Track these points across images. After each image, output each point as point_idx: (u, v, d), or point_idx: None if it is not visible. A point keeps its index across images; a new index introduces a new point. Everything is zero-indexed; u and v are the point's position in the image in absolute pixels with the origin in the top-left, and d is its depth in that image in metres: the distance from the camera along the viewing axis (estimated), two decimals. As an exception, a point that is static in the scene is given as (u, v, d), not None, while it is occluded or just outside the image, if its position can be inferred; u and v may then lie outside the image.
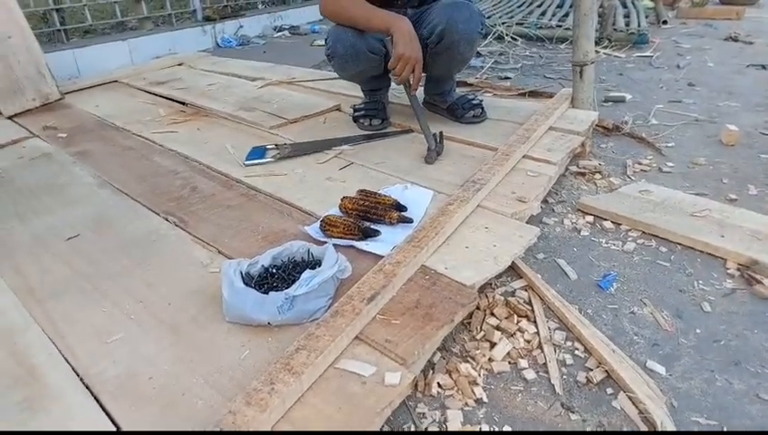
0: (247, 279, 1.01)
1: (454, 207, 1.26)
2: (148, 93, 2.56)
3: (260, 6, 4.99)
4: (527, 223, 1.32)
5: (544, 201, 1.57)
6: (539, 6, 5.48)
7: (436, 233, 1.15)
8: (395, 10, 1.71)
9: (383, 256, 1.09)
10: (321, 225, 1.21)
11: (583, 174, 1.72)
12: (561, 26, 4.26)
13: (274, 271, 1.04)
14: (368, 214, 1.27)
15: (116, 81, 2.81)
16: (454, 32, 1.65)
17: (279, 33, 4.62)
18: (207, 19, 4.15)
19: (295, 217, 1.33)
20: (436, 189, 1.44)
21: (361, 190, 1.36)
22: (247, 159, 1.68)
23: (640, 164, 1.79)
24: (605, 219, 1.45)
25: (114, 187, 1.53)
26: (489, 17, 4.72)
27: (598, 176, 1.70)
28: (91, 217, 1.36)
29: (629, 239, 1.37)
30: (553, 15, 4.84)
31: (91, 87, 2.69)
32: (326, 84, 2.58)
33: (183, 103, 2.37)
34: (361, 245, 1.16)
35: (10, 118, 2.19)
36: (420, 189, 1.43)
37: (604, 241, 1.37)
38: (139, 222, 1.33)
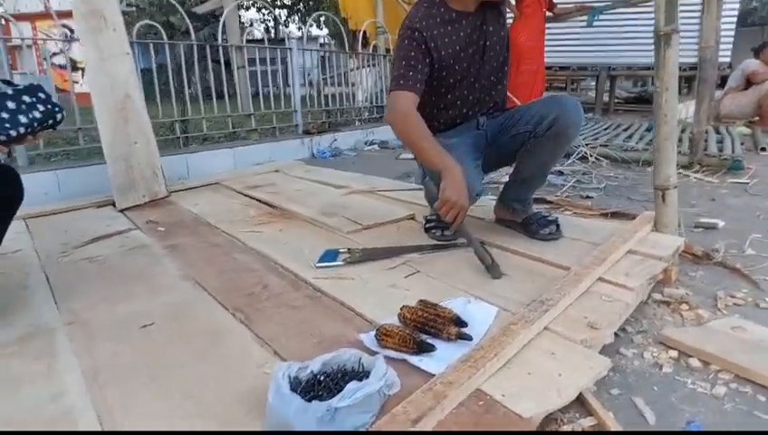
0: (295, 384, 1.01)
1: (517, 328, 1.19)
2: (243, 195, 2.81)
3: (356, 123, 5.46)
4: (600, 353, 1.22)
5: (622, 330, 1.45)
6: (625, 130, 5.49)
7: (495, 354, 1.09)
8: (468, 117, 1.81)
9: (435, 375, 1.05)
10: (376, 333, 1.20)
11: (668, 303, 1.58)
12: (647, 150, 4.19)
13: (322, 378, 1.03)
14: (426, 326, 1.25)
15: (218, 183, 3.14)
16: (566, 116, 1.73)
17: (369, 147, 4.98)
18: (307, 133, 4.60)
19: (355, 323, 1.34)
20: (501, 306, 1.39)
21: (422, 301, 1.35)
22: (319, 262, 1.75)
23: (733, 297, 1.61)
24: (691, 356, 1.30)
25: (195, 280, 1.64)
26: (573, 138, 4.78)
27: (684, 307, 1.56)
28: (169, 307, 1.46)
29: (720, 382, 1.20)
30: (641, 139, 4.80)
31: (195, 187, 3.02)
32: (404, 195, 2.69)
33: (272, 206, 2.57)
34: (414, 360, 1.13)
35: (122, 211, 2.49)
36: (484, 305, 1.38)
37: (690, 381, 1.21)
38: (210, 316, 1.40)
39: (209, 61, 4.22)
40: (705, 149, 3.93)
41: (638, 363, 1.30)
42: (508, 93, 6.31)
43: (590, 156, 4.18)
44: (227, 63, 4.13)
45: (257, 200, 2.68)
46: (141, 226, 2.27)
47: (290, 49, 4.36)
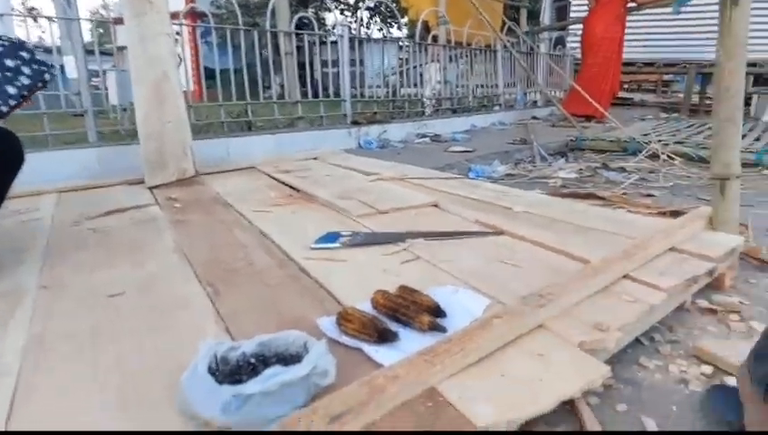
0: (222, 364, 0.89)
1: (500, 322, 1.00)
2: (272, 178, 2.76)
3: (408, 116, 5.31)
4: (610, 360, 1.00)
5: (649, 338, 1.20)
6: (710, 129, 4.91)
7: (461, 349, 0.91)
8: None
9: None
10: (337, 317, 1.06)
11: (714, 312, 1.30)
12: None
13: (253, 361, 0.90)
14: (397, 313, 1.08)
15: (253, 167, 3.12)
16: None
17: (420, 140, 4.80)
18: (355, 123, 4.51)
19: (326, 305, 1.20)
20: (497, 298, 1.19)
21: (402, 286, 1.18)
22: (316, 242, 1.63)
23: (802, 310, 1.30)
24: (730, 374, 1.03)
25: (184, 253, 1.58)
26: (646, 135, 4.33)
27: (734, 317, 1.27)
28: (146, 278, 1.39)
29: (765, 412, 0.94)
30: (726, 135, 4.25)
31: (230, 171, 3.01)
32: (434, 183, 2.51)
33: (295, 189, 2.49)
34: (369, 349, 0.97)
35: (150, 188, 2.51)
36: (473, 295, 1.19)
37: (724, 407, 0.96)
38: (180, 288, 1.32)
39: (269, 49, 4.24)
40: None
41: (659, 377, 1.06)
42: (577, 87, 5.91)
43: (662, 153, 3.75)
44: (278, 50, 4.14)
45: (283, 183, 2.62)
46: (161, 202, 2.26)
47: (341, 36, 4.29)
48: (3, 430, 0.80)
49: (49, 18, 3.30)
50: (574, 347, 0.97)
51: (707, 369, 1.06)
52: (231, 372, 0.88)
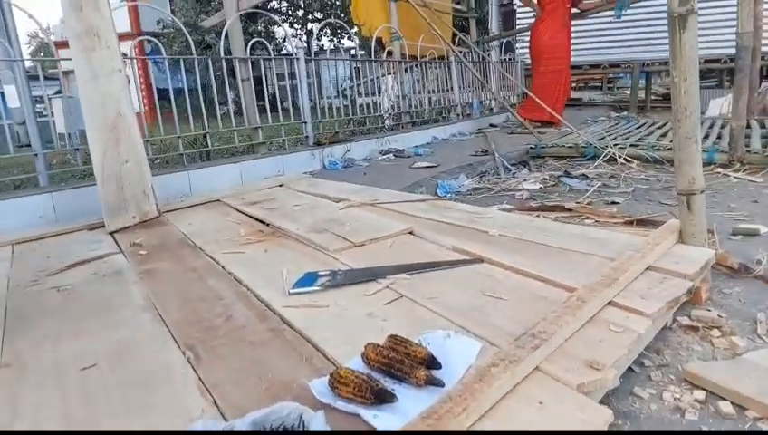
0: (215, 449, 0.84)
1: (498, 371, 0.99)
2: (239, 212, 2.68)
3: (372, 132, 5.30)
4: (604, 398, 1.00)
5: (639, 364, 1.22)
6: (660, 128, 5.12)
7: (464, 408, 0.89)
8: None
9: (388, 436, 0.85)
10: (329, 380, 1.02)
11: (696, 329, 1.33)
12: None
13: (248, 442, 0.85)
14: (391, 369, 1.05)
15: (218, 200, 3.03)
16: None
17: (384, 156, 4.80)
18: (318, 144, 4.47)
19: (314, 363, 1.15)
20: (489, 340, 1.18)
21: (392, 336, 1.15)
22: (294, 287, 1.58)
23: (778, 322, 1.35)
24: (722, 398, 1.05)
25: (157, 311, 1.50)
26: (601, 139, 4.48)
27: (716, 332, 1.30)
28: (118, 345, 1.31)
29: (760, 437, 0.96)
30: (676, 134, 4.44)
31: (193, 205, 2.91)
32: (406, 207, 2.50)
33: (265, 223, 2.42)
34: (368, 415, 0.93)
35: (111, 233, 2.39)
36: (465, 340, 1.18)
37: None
38: (158, 355, 1.25)
39: (224, 76, 4.15)
40: (748, 146, 3.57)
41: (655, 408, 1.07)
42: (531, 94, 6.08)
43: (619, 157, 3.87)
44: (233, 76, 4.05)
45: (251, 217, 2.55)
46: (125, 249, 2.16)
47: (297, 59, 4.25)
48: None
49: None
50: (573, 390, 0.97)
51: (700, 395, 1.07)
52: (225, 458, 0.83)
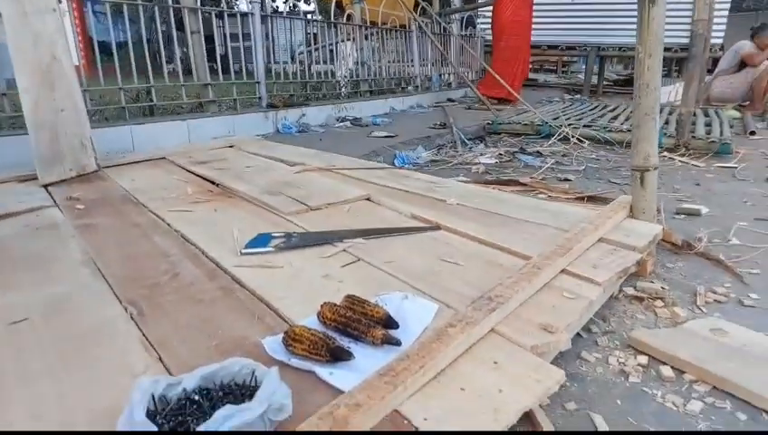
0: (161, 405, 0.79)
1: (455, 331, 0.98)
2: (187, 171, 2.55)
3: (329, 98, 5.17)
4: (558, 358, 1.03)
5: (586, 330, 1.25)
6: (612, 111, 5.29)
7: (421, 366, 0.88)
8: None
9: (344, 392, 0.83)
10: (284, 337, 0.98)
11: (641, 299, 1.39)
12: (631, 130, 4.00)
13: (197, 398, 0.81)
14: (348, 328, 1.03)
15: (164, 157, 2.87)
16: None
17: (341, 124, 4.71)
18: (271, 106, 4.31)
19: (267, 322, 1.11)
20: (445, 302, 1.18)
21: (349, 296, 1.13)
22: (246, 247, 1.52)
23: (714, 293, 1.42)
24: (663, 363, 1.10)
25: (96, 266, 1.41)
26: (556, 118, 4.57)
27: (659, 303, 1.36)
28: (54, 299, 1.22)
29: (695, 396, 1.01)
30: (627, 120, 4.60)
31: (137, 162, 2.75)
32: (364, 174, 2.46)
33: (214, 183, 2.32)
34: (323, 372, 0.91)
35: (45, 186, 2.22)
36: (422, 302, 1.17)
37: (659, 394, 1.02)
38: (98, 310, 1.17)
39: (173, 28, 3.87)
40: (693, 132, 3.75)
41: (601, 371, 1.11)
42: (491, 70, 6.09)
43: (572, 137, 3.97)
44: (181, 30, 3.81)
45: (200, 177, 2.43)
46: (60, 203, 2.00)
47: (252, 14, 4.04)
48: None
49: None
50: (527, 352, 0.98)
51: (643, 359, 1.12)
52: (173, 412, 0.78)
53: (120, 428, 0.73)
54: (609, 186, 2.73)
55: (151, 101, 3.53)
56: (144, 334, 1.07)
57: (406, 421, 0.80)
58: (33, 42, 2.28)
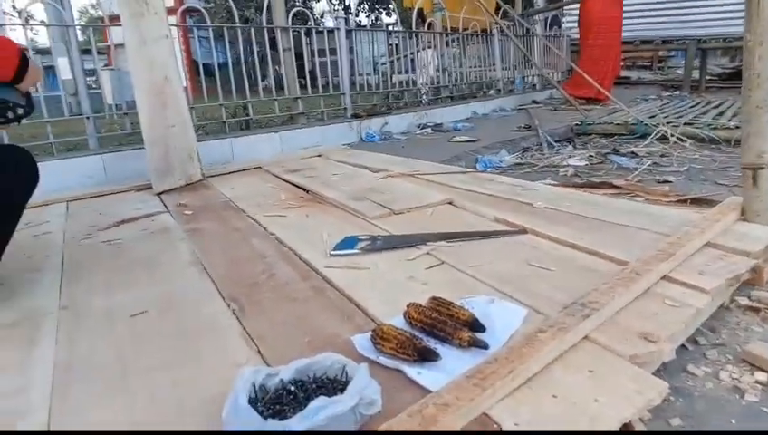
0: (261, 393, 0.85)
1: (546, 337, 0.96)
2: (280, 179, 2.70)
3: (410, 106, 5.23)
4: (658, 371, 0.96)
5: (692, 341, 1.16)
6: (716, 107, 4.85)
7: (510, 371, 0.87)
8: None
9: (431, 392, 0.84)
10: (372, 336, 1.01)
11: (757, 310, 1.26)
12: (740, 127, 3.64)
13: (293, 389, 0.85)
14: (434, 329, 1.04)
15: (259, 167, 3.06)
16: None
17: (422, 130, 4.74)
18: (356, 116, 4.44)
19: (356, 321, 1.15)
20: (534, 308, 1.15)
21: (435, 298, 1.14)
22: (334, 249, 1.58)
23: None
24: (787, 382, 1.00)
25: (203, 266, 1.53)
26: (653, 117, 4.28)
27: (779, 315, 1.23)
28: (166, 295, 1.35)
29: (828, 422, 0.90)
30: (734, 116, 4.19)
31: (235, 172, 2.95)
32: (445, 178, 2.46)
33: (305, 190, 2.43)
34: (411, 371, 0.92)
35: (158, 194, 2.45)
36: (510, 306, 1.15)
37: (784, 417, 0.92)
38: (204, 306, 1.28)
39: (267, 48, 4.15)
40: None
41: (711, 386, 1.02)
42: (578, 69, 5.84)
43: (671, 135, 3.69)
44: (274, 49, 4.05)
45: (292, 184, 2.56)
46: (171, 209, 2.21)
47: (338, 29, 4.20)
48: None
49: (45, 24, 3.21)
50: (625, 361, 0.93)
51: (762, 376, 1.02)
52: (271, 401, 0.84)
53: (225, 412, 0.79)
54: (716, 187, 2.51)
55: (248, 115, 3.78)
56: (245, 329, 1.15)
57: (495, 425, 0.79)
58: (149, 66, 2.54)
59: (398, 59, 5.49)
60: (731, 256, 1.31)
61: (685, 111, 4.79)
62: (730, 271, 1.22)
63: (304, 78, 4.27)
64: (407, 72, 5.53)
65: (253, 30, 3.77)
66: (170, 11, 3.35)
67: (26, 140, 2.91)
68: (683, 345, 1.14)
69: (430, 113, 5.07)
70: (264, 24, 3.86)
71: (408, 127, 4.78)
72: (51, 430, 0.86)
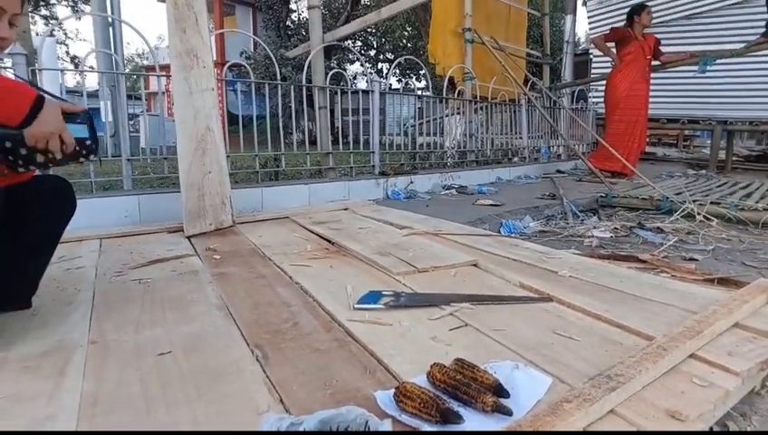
0: (284, 442, 0.85)
1: (571, 407, 0.95)
2: (307, 230, 2.77)
3: (433, 167, 5.36)
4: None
5: (721, 424, 1.12)
6: (743, 188, 4.83)
7: (534, 439, 0.86)
8: None
9: (454, 455, 0.84)
10: (395, 393, 1.01)
11: (789, 397, 1.22)
12: (768, 209, 3.61)
13: (315, 440, 0.86)
14: (458, 391, 1.04)
15: (287, 217, 3.14)
16: None
17: (446, 191, 4.82)
18: (383, 174, 4.56)
19: (378, 376, 1.16)
20: (558, 376, 1.14)
21: (459, 360, 1.14)
22: (358, 302, 1.60)
23: None
24: (824, 477, 0.95)
25: (228, 310, 1.56)
26: (679, 193, 4.28)
27: (814, 404, 1.19)
28: (192, 336, 1.37)
29: None
30: (762, 198, 4.17)
31: (264, 220, 3.03)
32: (470, 240, 2.48)
33: (330, 242, 2.48)
34: (432, 432, 0.92)
35: (188, 237, 2.53)
36: (535, 374, 1.14)
37: None
38: (228, 350, 1.30)
39: (304, 104, 4.37)
40: None
41: (742, 475, 0.98)
42: (605, 143, 5.93)
43: (698, 214, 3.68)
44: (312, 104, 4.25)
45: (318, 235, 2.62)
46: (200, 252, 2.27)
47: (372, 91, 4.41)
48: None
49: (98, 72, 3.45)
50: (653, 439, 0.91)
51: (796, 467, 0.98)
52: (293, 452, 0.84)
53: (249, 457, 0.80)
54: (744, 269, 2.47)
55: (278, 166, 3.92)
56: (267, 376, 1.16)
57: (518, 494, 0.78)
58: (194, 115, 2.70)
59: (427, 121, 5.68)
60: (762, 338, 1.29)
61: (711, 189, 4.79)
62: (760, 355, 1.20)
63: (334, 134, 4.45)
64: (435, 134, 5.71)
65: (292, 87, 3.97)
66: (216, 65, 3.60)
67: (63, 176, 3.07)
68: (711, 430, 1.10)
69: (455, 175, 5.17)
70: (304, 81, 4.08)
71: (432, 187, 4.87)
72: (74, 461, 0.87)
